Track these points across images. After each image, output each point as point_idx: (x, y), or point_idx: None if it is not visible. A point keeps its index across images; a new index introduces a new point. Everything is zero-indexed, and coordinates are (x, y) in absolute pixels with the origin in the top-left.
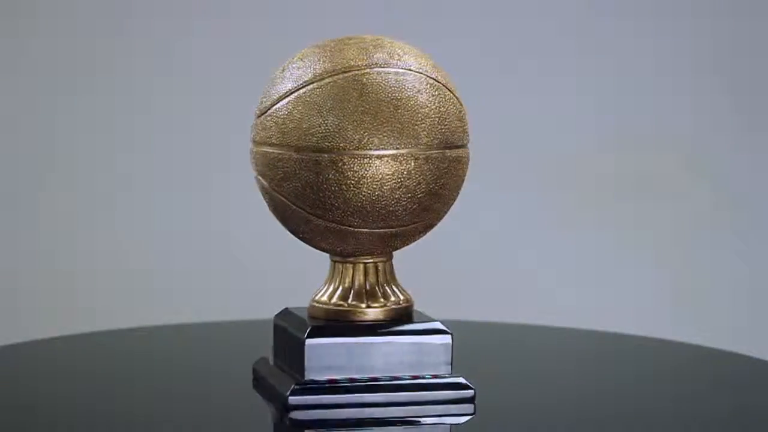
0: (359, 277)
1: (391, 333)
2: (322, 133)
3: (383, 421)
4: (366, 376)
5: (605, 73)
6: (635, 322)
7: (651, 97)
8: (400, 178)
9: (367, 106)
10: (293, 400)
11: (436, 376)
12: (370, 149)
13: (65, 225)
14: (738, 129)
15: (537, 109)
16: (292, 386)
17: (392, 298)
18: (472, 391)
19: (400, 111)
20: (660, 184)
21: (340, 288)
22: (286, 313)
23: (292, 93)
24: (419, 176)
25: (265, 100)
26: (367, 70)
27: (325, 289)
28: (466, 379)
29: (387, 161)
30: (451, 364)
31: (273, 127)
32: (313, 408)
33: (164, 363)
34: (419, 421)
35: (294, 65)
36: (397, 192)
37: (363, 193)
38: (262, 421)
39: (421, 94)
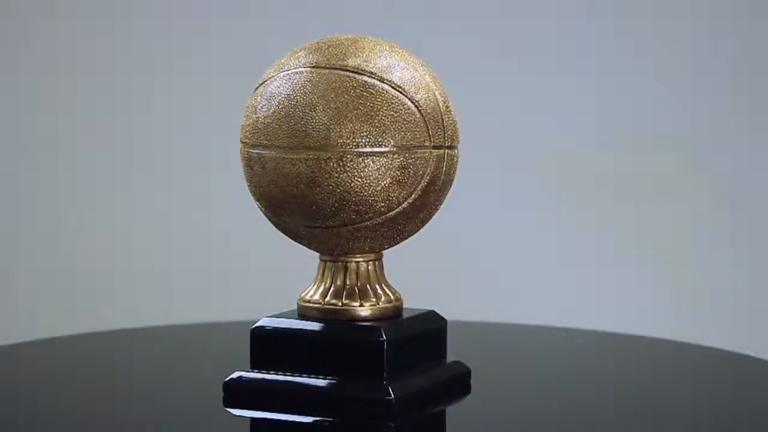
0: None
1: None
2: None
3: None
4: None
5: (605, 73)
6: (635, 322)
7: (651, 97)
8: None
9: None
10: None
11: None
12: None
13: (65, 225)
14: (738, 129)
15: (537, 109)
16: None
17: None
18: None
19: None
20: (660, 184)
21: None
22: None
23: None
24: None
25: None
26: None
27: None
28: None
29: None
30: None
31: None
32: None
33: (164, 363)
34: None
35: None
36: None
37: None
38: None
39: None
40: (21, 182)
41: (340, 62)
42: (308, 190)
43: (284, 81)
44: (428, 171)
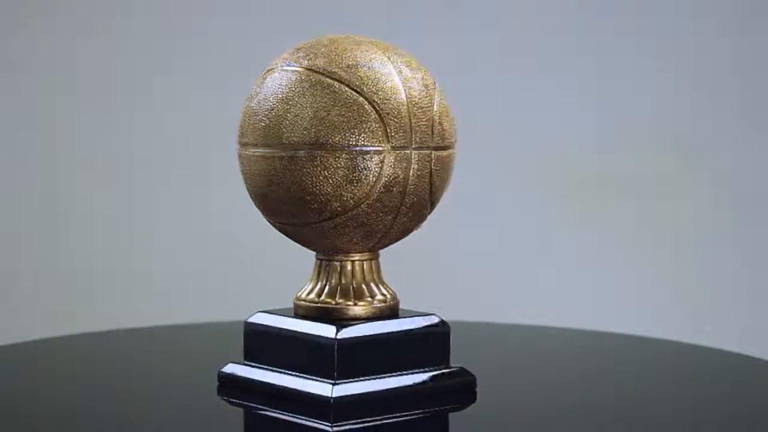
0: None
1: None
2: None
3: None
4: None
5: (605, 73)
6: (635, 322)
7: (651, 97)
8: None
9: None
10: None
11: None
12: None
13: (65, 225)
14: (738, 129)
15: (537, 109)
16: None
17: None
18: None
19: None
20: (660, 184)
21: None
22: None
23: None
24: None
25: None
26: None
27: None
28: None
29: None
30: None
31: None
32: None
33: (164, 363)
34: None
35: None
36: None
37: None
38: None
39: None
40: (21, 182)
41: (308, 62)
42: (269, 188)
43: (262, 80)
44: (385, 172)
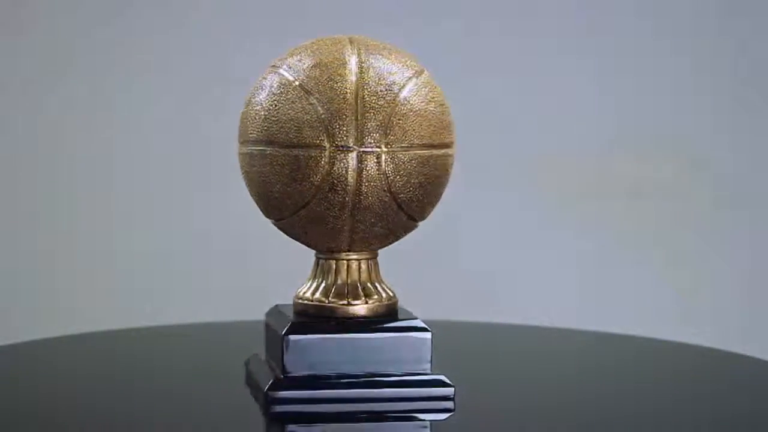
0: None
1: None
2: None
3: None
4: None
5: (605, 73)
6: (635, 322)
7: (651, 97)
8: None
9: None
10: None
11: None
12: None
13: (65, 225)
14: (738, 129)
15: (536, 109)
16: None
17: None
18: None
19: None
20: (660, 184)
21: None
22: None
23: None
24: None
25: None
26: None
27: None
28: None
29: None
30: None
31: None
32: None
33: (164, 363)
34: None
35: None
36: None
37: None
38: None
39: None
40: (21, 182)
41: (280, 61)
42: (246, 185)
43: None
44: (327, 171)
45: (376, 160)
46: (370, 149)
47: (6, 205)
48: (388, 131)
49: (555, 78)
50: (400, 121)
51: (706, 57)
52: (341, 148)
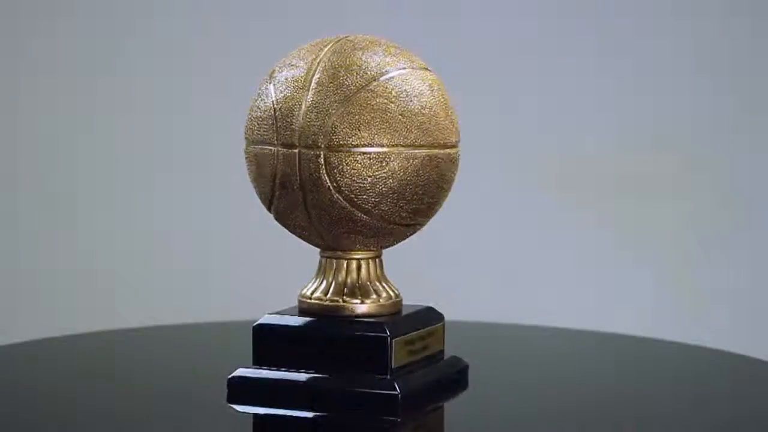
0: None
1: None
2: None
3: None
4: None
5: (605, 73)
6: (635, 322)
7: (651, 97)
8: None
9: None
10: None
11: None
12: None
13: (65, 225)
14: (738, 129)
15: (537, 109)
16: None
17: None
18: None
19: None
20: (660, 184)
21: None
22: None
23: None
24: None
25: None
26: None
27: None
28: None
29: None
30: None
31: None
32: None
33: (164, 363)
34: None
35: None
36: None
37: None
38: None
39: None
40: (21, 182)
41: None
42: None
43: None
44: (277, 170)
45: (315, 161)
46: (310, 149)
47: (6, 205)
48: (330, 132)
49: (555, 78)
50: (346, 123)
51: (706, 57)
52: (286, 147)
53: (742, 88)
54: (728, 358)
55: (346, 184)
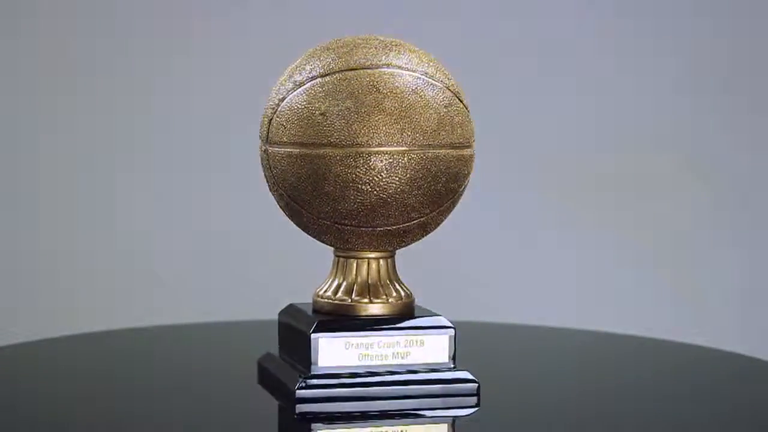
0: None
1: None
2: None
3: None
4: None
5: (605, 73)
6: (635, 322)
7: (651, 97)
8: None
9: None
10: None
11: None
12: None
13: (65, 225)
14: (738, 129)
15: (537, 109)
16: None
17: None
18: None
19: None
20: (660, 184)
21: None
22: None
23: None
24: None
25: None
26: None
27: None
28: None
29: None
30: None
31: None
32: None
33: (165, 363)
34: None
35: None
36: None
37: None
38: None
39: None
40: (21, 182)
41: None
42: None
43: None
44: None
45: (264, 157)
46: (267, 146)
47: (6, 205)
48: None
49: (555, 78)
50: (278, 121)
51: (706, 57)
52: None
53: (742, 88)
54: (728, 358)
55: (287, 180)
